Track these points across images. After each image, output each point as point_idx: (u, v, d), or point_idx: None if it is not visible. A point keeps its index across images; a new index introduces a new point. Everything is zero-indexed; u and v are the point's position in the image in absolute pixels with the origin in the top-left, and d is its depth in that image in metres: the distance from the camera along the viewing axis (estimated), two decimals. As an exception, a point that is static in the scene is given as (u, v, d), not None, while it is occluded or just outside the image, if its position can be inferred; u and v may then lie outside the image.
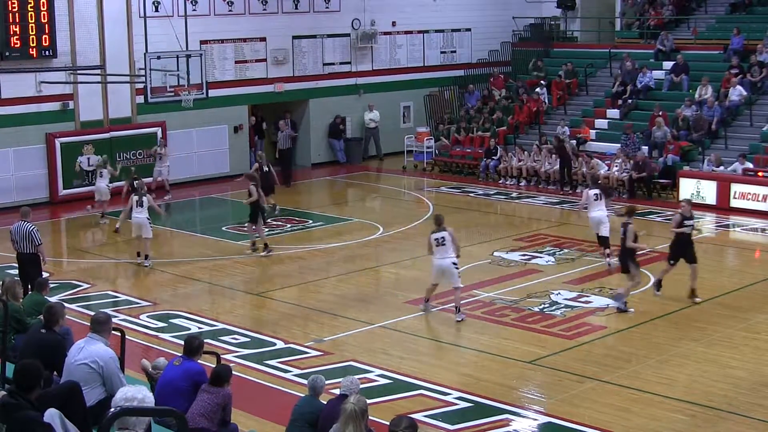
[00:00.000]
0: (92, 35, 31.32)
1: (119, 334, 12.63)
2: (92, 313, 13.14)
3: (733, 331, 18.64)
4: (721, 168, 29.68)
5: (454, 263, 19.16)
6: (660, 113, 32.95)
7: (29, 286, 17.79)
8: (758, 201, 28.44)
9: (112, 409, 7.58)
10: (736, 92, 33.03)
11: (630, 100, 35.48)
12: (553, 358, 17.23)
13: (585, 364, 16.93)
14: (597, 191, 23.52)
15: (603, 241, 23.26)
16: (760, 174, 29.01)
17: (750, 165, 29.53)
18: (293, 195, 33.06)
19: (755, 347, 17.88)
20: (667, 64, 36.40)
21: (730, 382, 16.12)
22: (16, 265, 19.96)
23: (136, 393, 7.85)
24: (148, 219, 23.52)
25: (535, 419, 14.94)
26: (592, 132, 34.88)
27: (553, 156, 32.89)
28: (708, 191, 29.24)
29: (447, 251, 19.10)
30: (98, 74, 31.20)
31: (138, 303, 20.99)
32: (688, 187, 29.72)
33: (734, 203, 28.80)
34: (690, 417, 14.82)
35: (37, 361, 9.53)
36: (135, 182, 26.32)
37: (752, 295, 20.87)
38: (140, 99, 31.07)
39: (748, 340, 18.21)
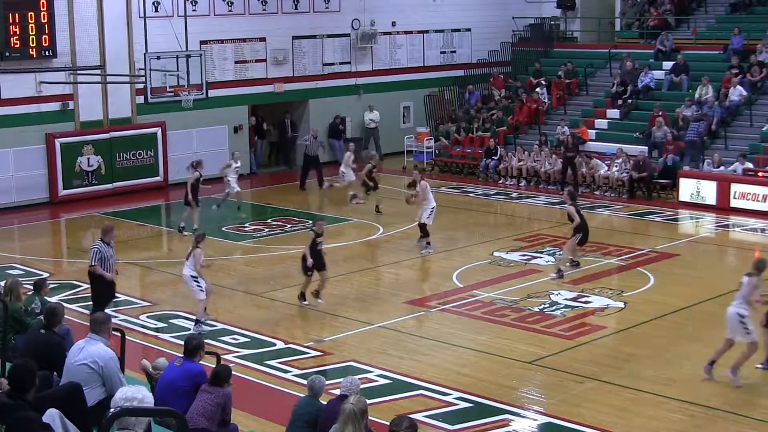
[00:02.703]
0: (92, 35, 31.32)
1: (119, 334, 12.63)
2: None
3: (732, 331, 18.60)
4: (722, 168, 29.68)
5: None
6: (660, 113, 32.96)
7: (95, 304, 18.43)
8: (758, 201, 28.44)
9: (112, 410, 7.58)
10: (736, 92, 33.04)
11: (630, 100, 35.49)
12: (552, 359, 17.23)
13: (584, 364, 16.94)
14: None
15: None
16: (760, 174, 29.00)
17: (750, 165, 29.53)
18: (294, 195, 33.07)
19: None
20: (667, 64, 36.42)
21: (729, 382, 16.11)
22: (19, 265, 19.98)
23: (135, 393, 7.85)
24: (194, 277, 19.23)
25: (535, 419, 14.95)
26: (592, 132, 34.87)
27: (554, 156, 32.91)
28: (708, 191, 29.25)
29: None
30: (98, 74, 31.19)
31: (138, 303, 21.00)
32: (688, 188, 29.74)
33: (734, 203, 28.80)
34: (689, 417, 14.84)
35: (31, 361, 9.52)
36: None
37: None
38: (140, 99, 31.08)
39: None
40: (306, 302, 20.40)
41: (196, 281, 19.07)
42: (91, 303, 19.08)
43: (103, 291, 18.61)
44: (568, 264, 22.83)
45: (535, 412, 15.17)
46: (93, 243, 19.22)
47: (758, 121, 32.45)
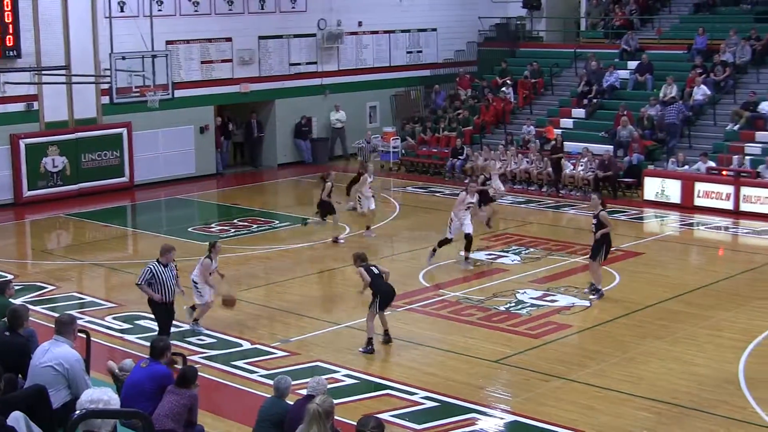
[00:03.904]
0: (57, 35, 31.17)
1: (84, 336, 12.58)
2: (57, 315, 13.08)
3: (696, 329, 18.78)
4: (686, 167, 29.88)
5: None
6: (625, 112, 33.15)
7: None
8: (722, 199, 28.66)
9: (78, 412, 7.57)
10: (700, 92, 33.30)
11: (595, 100, 35.67)
12: (518, 357, 17.30)
13: (550, 362, 17.01)
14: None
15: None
16: (723, 173, 29.22)
17: (713, 164, 29.74)
18: (259, 195, 33.05)
19: (718, 345, 18.02)
20: (632, 64, 36.65)
21: (694, 379, 16.26)
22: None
23: (101, 395, 7.84)
24: (195, 283, 18.96)
25: (502, 418, 15.01)
26: (557, 131, 35.00)
27: (520, 156, 33.03)
28: (672, 190, 29.44)
29: None
30: (63, 75, 31.04)
31: (103, 304, 20.91)
32: (652, 186, 29.94)
33: (698, 202, 29.01)
34: (655, 414, 14.93)
35: None
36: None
37: (715, 293, 21.02)
38: (105, 99, 30.93)
39: (712, 338, 18.36)
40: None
41: (195, 286, 18.74)
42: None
43: (157, 312, 17.39)
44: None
45: (501, 411, 15.22)
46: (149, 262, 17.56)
47: (722, 120, 32.69)
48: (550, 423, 14.59)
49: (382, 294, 17.65)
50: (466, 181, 25.20)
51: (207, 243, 19.72)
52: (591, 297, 20.51)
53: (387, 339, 17.91)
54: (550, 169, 32.24)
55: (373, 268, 17.83)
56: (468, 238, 23.17)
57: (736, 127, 31.89)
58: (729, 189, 28.63)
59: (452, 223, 23.23)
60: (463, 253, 23.36)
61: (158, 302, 17.10)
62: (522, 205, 30.37)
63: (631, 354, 17.52)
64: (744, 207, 28.17)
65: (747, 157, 29.98)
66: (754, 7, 38.19)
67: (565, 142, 32.68)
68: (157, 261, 17.18)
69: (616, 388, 15.91)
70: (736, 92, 33.51)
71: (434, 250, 23.39)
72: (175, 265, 17.61)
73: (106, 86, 30.17)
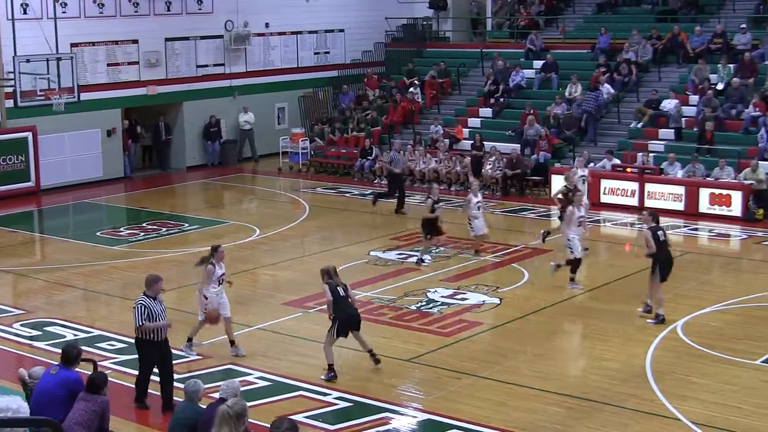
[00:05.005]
0: (-42, 38, 30.65)
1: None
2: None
3: (605, 324, 19.08)
4: (591, 165, 30.31)
5: None
6: (531, 111, 33.55)
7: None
8: (627, 196, 29.18)
9: (-14, 421, 7.48)
10: (604, 90, 33.80)
11: (502, 99, 36.01)
12: (430, 356, 17.42)
13: (462, 360, 17.15)
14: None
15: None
16: (628, 170, 29.71)
17: (618, 161, 30.23)
18: (168, 198, 32.82)
19: (627, 339, 18.34)
20: (537, 63, 37.09)
21: (604, 373, 16.53)
22: None
23: (10, 403, 7.75)
24: (206, 297, 17.83)
25: (414, 416, 15.10)
26: (465, 131, 35.27)
27: (428, 156, 33.21)
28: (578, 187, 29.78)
29: None
30: (-35, 78, 30.53)
31: (11, 311, 20.59)
32: (559, 184, 30.25)
33: (604, 199, 29.46)
34: (566, 409, 15.14)
35: None
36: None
37: (623, 289, 21.35)
38: (9, 103, 30.50)
39: (620, 333, 18.67)
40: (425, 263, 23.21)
41: (206, 299, 17.58)
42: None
43: (150, 352, 15.19)
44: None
45: (414, 410, 15.31)
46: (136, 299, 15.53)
47: (626, 118, 33.24)
48: (463, 420, 14.71)
49: (341, 319, 16.43)
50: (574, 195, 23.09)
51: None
52: (648, 321, 19.08)
53: (375, 360, 16.77)
54: (458, 168, 32.47)
55: (339, 288, 16.62)
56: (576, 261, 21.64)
57: (639, 125, 32.46)
58: (634, 186, 29.14)
59: (572, 242, 21.56)
60: (571, 276, 21.60)
61: (153, 340, 15.08)
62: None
63: (541, 350, 17.74)
64: (648, 203, 28.64)
65: (651, 154, 30.53)
66: (655, 8, 38.91)
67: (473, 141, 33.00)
68: (144, 294, 15.22)
69: (527, 384, 16.12)
70: (639, 90, 34.11)
71: (572, 280, 21.51)
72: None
73: (9, 90, 29.76)
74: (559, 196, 24.59)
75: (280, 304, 20.60)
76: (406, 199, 29.66)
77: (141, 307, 14.93)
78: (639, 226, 25.06)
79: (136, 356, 15.48)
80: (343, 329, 16.48)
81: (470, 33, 44.00)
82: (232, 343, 17.71)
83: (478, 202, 24.32)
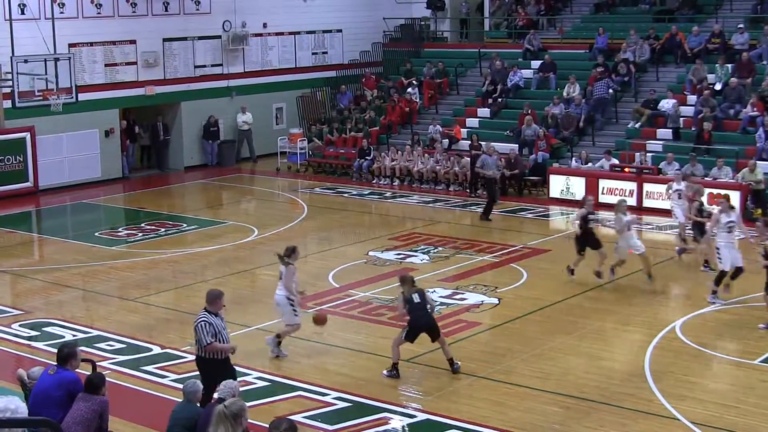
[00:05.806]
0: (-44, 39, 30.62)
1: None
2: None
3: (603, 324, 19.10)
4: (589, 164, 30.34)
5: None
6: (529, 111, 33.55)
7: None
8: (625, 196, 29.09)
9: (-15, 422, 7.48)
10: (603, 90, 33.80)
11: (500, 99, 36.02)
12: (429, 356, 17.38)
13: (461, 360, 17.09)
14: None
15: None
16: (626, 170, 29.71)
17: (616, 161, 30.24)
18: (166, 198, 32.82)
19: (625, 339, 18.37)
20: (535, 63, 37.10)
21: (602, 373, 16.52)
22: None
23: (8, 404, 7.75)
24: (290, 300, 17.61)
25: (414, 416, 15.07)
26: (464, 131, 35.26)
27: (426, 156, 33.21)
28: (577, 187, 29.85)
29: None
30: (-37, 79, 30.51)
31: (10, 312, 20.58)
32: (557, 184, 30.35)
33: (602, 199, 29.38)
34: (564, 409, 15.14)
35: None
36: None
37: (621, 289, 21.37)
38: (8, 104, 30.47)
39: (618, 333, 18.70)
40: (573, 276, 21.90)
41: (291, 304, 17.36)
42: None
43: (216, 371, 13.85)
44: None
45: (412, 410, 15.30)
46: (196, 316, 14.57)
47: (624, 118, 33.26)
48: (462, 420, 14.71)
49: (411, 324, 16.54)
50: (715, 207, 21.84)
51: (284, 249, 17.76)
52: (759, 326, 18.69)
53: (454, 368, 16.61)
54: (457, 168, 32.47)
55: (415, 295, 16.59)
56: (738, 272, 20.48)
57: (637, 125, 32.46)
58: (632, 186, 29.14)
59: (720, 251, 20.25)
60: (713, 289, 20.40)
61: (216, 359, 14.13)
62: (429, 205, 30.55)
63: (540, 350, 17.73)
64: (647, 203, 28.70)
65: (649, 154, 30.53)
66: (653, 8, 38.93)
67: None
68: (206, 310, 14.31)
69: (525, 384, 16.11)
70: (637, 90, 34.13)
71: (714, 293, 20.28)
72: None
73: (7, 90, 29.74)
74: (578, 222, 22.20)
75: (279, 305, 20.56)
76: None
77: (207, 324, 14.04)
78: (636, 225, 24.87)
79: (131, 356, 15.46)
80: (412, 334, 16.63)
81: (458, 33, 44.04)
82: (279, 343, 17.72)
83: (627, 222, 21.74)
